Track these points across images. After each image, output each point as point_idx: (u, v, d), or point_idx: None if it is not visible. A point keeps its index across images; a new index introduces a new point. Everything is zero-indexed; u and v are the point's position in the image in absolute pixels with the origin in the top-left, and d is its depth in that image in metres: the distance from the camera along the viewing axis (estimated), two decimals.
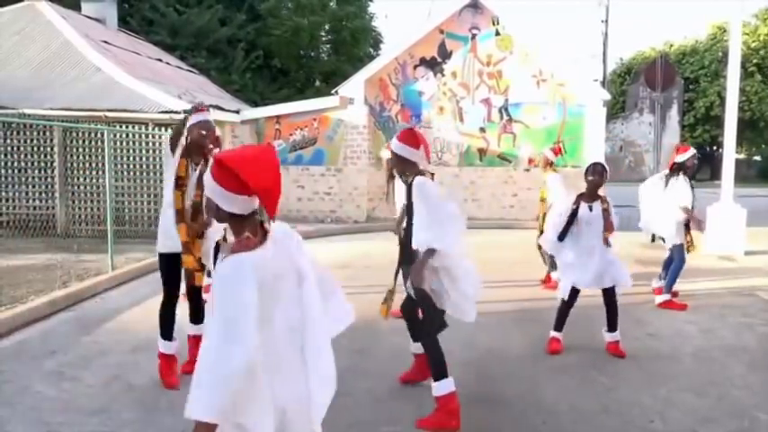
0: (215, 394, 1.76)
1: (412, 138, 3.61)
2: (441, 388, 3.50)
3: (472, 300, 3.63)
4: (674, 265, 6.28)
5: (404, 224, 3.86)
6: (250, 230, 1.93)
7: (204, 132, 4.00)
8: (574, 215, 4.66)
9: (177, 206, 3.95)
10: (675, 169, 6.26)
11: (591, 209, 4.66)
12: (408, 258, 3.69)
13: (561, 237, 4.69)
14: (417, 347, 4.03)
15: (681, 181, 6.17)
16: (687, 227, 6.25)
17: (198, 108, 4.14)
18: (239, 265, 1.85)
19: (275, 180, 1.90)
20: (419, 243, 3.48)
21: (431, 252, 3.42)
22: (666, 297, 6.25)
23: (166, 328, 4.16)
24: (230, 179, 1.85)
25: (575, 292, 4.81)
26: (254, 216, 1.95)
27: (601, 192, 4.76)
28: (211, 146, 4.06)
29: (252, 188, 1.85)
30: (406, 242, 3.76)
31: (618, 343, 4.80)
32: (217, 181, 1.88)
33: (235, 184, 1.85)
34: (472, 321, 3.66)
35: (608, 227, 4.63)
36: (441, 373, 3.51)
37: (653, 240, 6.54)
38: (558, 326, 4.88)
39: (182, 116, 10.52)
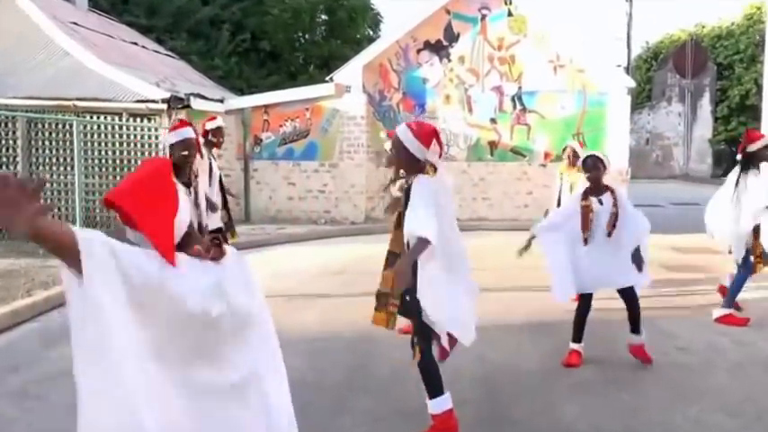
0: None
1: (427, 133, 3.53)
2: (436, 406, 3.53)
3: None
4: (737, 275, 5.95)
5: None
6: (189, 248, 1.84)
7: (186, 153, 4.38)
8: (587, 212, 4.72)
9: None
10: (746, 162, 5.72)
11: (601, 202, 4.74)
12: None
13: (587, 240, 4.74)
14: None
15: (757, 178, 5.60)
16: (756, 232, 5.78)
17: (175, 107, 4.47)
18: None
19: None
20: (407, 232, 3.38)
21: (422, 243, 3.22)
22: (726, 311, 6.00)
23: None
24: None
25: (585, 298, 4.85)
26: (189, 236, 1.89)
27: (610, 184, 4.86)
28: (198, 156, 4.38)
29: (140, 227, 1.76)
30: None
31: (642, 346, 4.81)
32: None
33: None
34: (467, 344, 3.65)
35: (610, 221, 4.69)
36: (436, 390, 3.53)
37: (730, 252, 6.16)
38: (576, 336, 4.90)
39: (159, 105, 10.52)
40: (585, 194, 4.82)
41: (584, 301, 4.88)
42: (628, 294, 4.81)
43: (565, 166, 7.00)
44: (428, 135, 3.48)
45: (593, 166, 4.78)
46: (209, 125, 5.92)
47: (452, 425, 3.57)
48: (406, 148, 3.47)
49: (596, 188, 4.80)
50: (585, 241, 4.75)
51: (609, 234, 4.69)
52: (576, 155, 6.85)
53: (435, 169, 3.55)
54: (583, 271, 4.74)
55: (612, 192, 4.79)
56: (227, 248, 1.95)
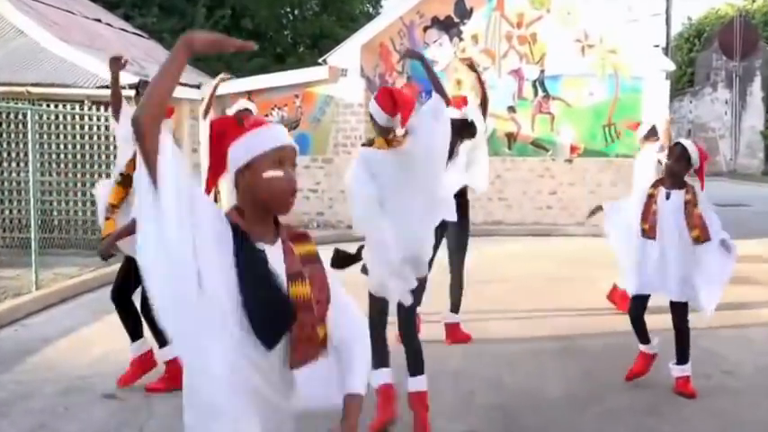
0: None
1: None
2: (376, 378, 3.97)
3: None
4: None
5: None
6: None
7: None
8: (649, 202, 4.72)
9: (113, 200, 4.57)
10: None
11: (668, 196, 4.69)
12: None
13: (651, 234, 4.72)
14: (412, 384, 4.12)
15: None
16: None
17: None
18: None
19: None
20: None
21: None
22: None
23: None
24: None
25: (638, 299, 4.86)
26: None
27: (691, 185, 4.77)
28: None
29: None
30: None
31: (688, 379, 4.80)
32: None
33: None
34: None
35: (692, 223, 4.62)
36: (378, 363, 3.90)
37: None
38: (643, 339, 4.93)
39: (126, 91, 10.55)
40: (656, 183, 4.84)
41: (637, 301, 4.87)
42: (679, 314, 4.77)
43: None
44: (388, 100, 3.81)
45: (678, 157, 4.68)
46: (237, 107, 5.83)
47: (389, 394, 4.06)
48: (374, 119, 3.89)
49: (671, 181, 4.74)
50: (643, 232, 4.72)
51: (696, 240, 4.62)
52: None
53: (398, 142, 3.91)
54: (645, 270, 4.75)
55: (690, 192, 4.68)
56: None
